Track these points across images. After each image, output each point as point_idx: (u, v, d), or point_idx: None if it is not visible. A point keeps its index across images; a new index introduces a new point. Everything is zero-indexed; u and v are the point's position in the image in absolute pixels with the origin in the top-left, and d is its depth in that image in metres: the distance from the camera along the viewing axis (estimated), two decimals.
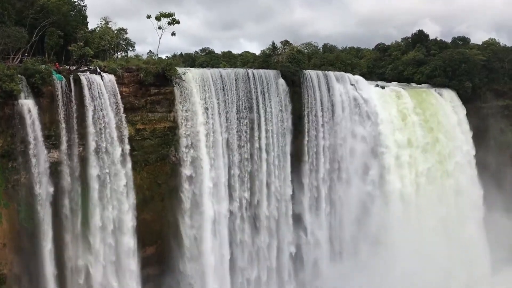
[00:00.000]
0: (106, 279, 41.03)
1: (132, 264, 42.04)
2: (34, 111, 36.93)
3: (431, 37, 79.54)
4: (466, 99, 67.40)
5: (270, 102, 51.68)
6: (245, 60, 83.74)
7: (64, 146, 38.97)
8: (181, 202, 46.19)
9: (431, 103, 63.90)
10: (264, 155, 51.02)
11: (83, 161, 40.20)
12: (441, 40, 78.98)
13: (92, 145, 40.10)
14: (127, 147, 42.20)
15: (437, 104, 64.29)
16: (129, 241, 42.01)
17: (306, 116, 54.23)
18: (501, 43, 77.94)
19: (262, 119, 51.05)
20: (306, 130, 54.34)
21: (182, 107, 45.97)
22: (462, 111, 66.12)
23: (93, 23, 74.97)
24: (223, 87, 48.56)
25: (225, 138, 48.45)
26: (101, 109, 40.24)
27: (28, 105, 36.78)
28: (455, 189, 61.67)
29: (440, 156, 61.92)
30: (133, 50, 56.55)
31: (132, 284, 42.25)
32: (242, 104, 49.80)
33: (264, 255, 52.11)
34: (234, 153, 49.39)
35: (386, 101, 60.30)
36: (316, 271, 55.26)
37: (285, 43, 58.16)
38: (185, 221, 46.20)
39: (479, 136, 66.03)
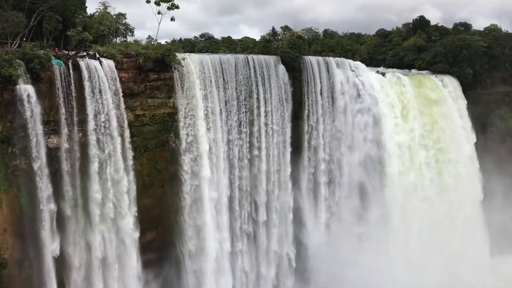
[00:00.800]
0: (106, 255, 41.40)
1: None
2: (33, 96, 36.79)
3: (432, 23, 78.76)
4: (466, 86, 66.96)
5: (270, 88, 51.43)
6: (245, 46, 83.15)
7: (63, 131, 38.96)
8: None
9: (442, 127, 59.95)
10: (263, 144, 50.96)
11: (83, 146, 40.16)
12: (442, 26, 78.19)
13: (91, 131, 40.03)
14: (127, 133, 42.15)
15: (450, 127, 60.35)
16: (128, 221, 42.22)
17: (306, 102, 53.96)
18: (502, 29, 77.26)
19: (262, 105, 50.80)
20: (305, 116, 54.13)
21: (182, 93, 45.71)
22: (472, 136, 62.46)
23: (91, 8, 74.44)
24: (223, 73, 48.28)
25: (224, 124, 48.31)
26: (100, 95, 40.06)
27: (27, 90, 36.67)
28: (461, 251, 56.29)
29: (449, 206, 57.76)
30: (132, 35, 56.35)
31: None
32: (241, 90, 49.54)
33: None
34: (234, 140, 49.24)
35: (396, 128, 57.02)
36: None
37: (285, 28, 57.64)
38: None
39: (479, 124, 65.53)
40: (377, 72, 63.09)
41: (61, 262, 39.64)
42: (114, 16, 50.25)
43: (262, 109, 50.91)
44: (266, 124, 51.15)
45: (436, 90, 62.56)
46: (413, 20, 79.78)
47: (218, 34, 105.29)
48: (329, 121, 55.54)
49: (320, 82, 54.91)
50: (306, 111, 54.23)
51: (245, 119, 49.92)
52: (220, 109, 47.96)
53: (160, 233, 46.28)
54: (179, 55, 46.18)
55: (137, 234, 42.92)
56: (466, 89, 66.57)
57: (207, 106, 46.78)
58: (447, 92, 63.04)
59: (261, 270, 51.65)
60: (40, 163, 37.65)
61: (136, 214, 42.91)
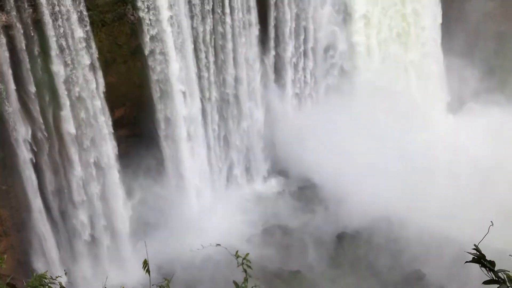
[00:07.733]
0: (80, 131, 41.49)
1: None
2: None
3: None
4: None
5: None
6: None
7: (11, 8, 36.20)
8: None
9: None
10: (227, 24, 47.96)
11: (36, 23, 37.86)
12: None
13: (42, 4, 37.44)
14: (82, 5, 39.67)
15: None
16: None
17: None
18: None
19: None
20: None
21: None
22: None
23: None
24: None
25: None
26: None
27: None
28: None
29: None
30: None
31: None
32: None
33: None
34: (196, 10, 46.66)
35: None
36: None
37: None
38: None
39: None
40: None
41: (34, 144, 39.72)
42: None
43: None
44: None
45: None
46: None
47: None
48: None
49: None
50: None
51: None
52: None
53: (129, 109, 46.17)
54: None
55: (106, 111, 42.70)
56: None
57: None
58: None
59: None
60: None
61: (104, 90, 42.29)
